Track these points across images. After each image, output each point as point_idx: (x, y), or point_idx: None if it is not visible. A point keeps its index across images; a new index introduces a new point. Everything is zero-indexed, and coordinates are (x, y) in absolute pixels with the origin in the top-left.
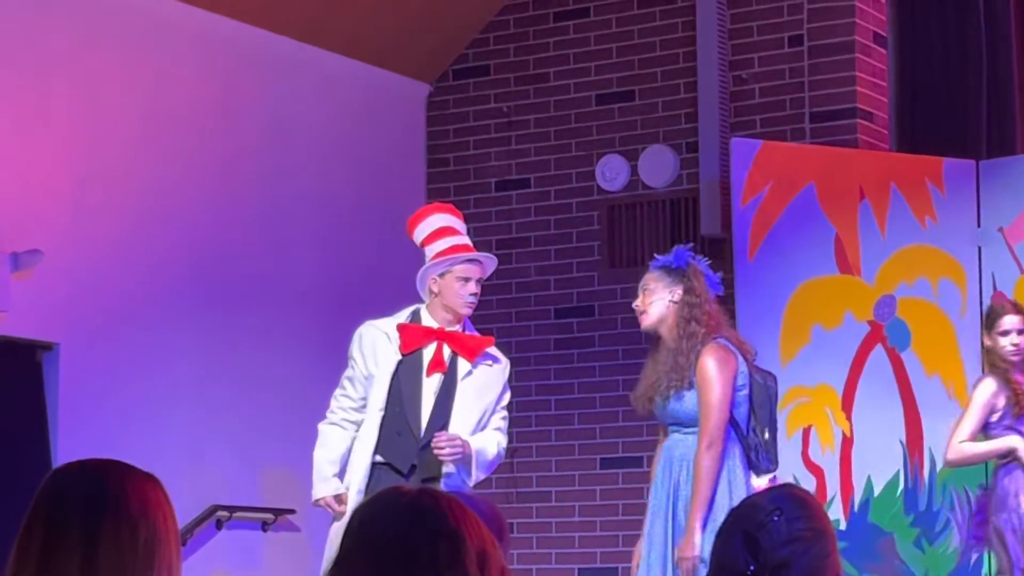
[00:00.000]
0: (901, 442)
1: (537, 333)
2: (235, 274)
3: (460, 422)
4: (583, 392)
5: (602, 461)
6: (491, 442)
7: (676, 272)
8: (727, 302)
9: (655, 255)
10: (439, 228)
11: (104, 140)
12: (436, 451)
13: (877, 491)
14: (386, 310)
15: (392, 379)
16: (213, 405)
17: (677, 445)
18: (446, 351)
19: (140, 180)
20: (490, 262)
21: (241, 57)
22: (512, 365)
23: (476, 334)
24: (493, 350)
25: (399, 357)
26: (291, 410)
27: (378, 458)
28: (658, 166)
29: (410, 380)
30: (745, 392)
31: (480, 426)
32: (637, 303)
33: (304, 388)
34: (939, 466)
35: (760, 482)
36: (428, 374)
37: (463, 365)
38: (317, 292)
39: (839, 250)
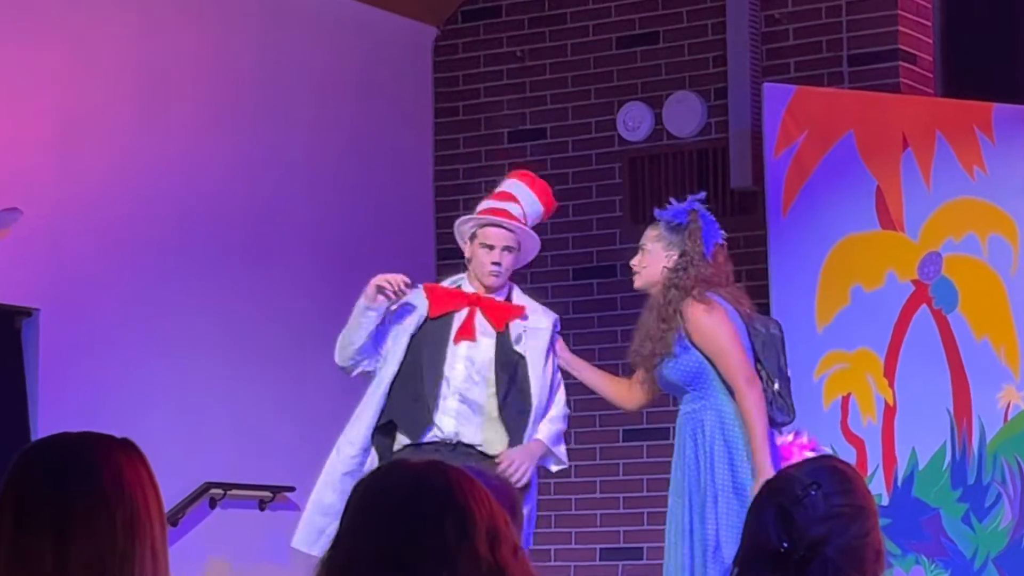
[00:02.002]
0: (948, 411)
1: (555, 295)
2: (229, 232)
3: (539, 388)
4: (604, 358)
5: (625, 433)
6: (551, 422)
7: (677, 231)
8: (759, 260)
9: (664, 205)
10: (499, 192)
11: (88, 91)
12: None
13: (922, 464)
14: (390, 267)
15: (412, 338)
16: (205, 374)
17: (688, 419)
18: (478, 319)
19: (127, 134)
20: (528, 238)
21: (234, 0)
22: None
23: (520, 299)
24: (539, 313)
25: (425, 315)
26: (289, 378)
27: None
28: (684, 114)
29: (434, 346)
30: (748, 348)
31: (552, 391)
32: (635, 261)
33: (303, 354)
34: (989, 436)
35: (783, 439)
36: (456, 341)
37: (513, 333)
38: (317, 251)
39: (880, 204)
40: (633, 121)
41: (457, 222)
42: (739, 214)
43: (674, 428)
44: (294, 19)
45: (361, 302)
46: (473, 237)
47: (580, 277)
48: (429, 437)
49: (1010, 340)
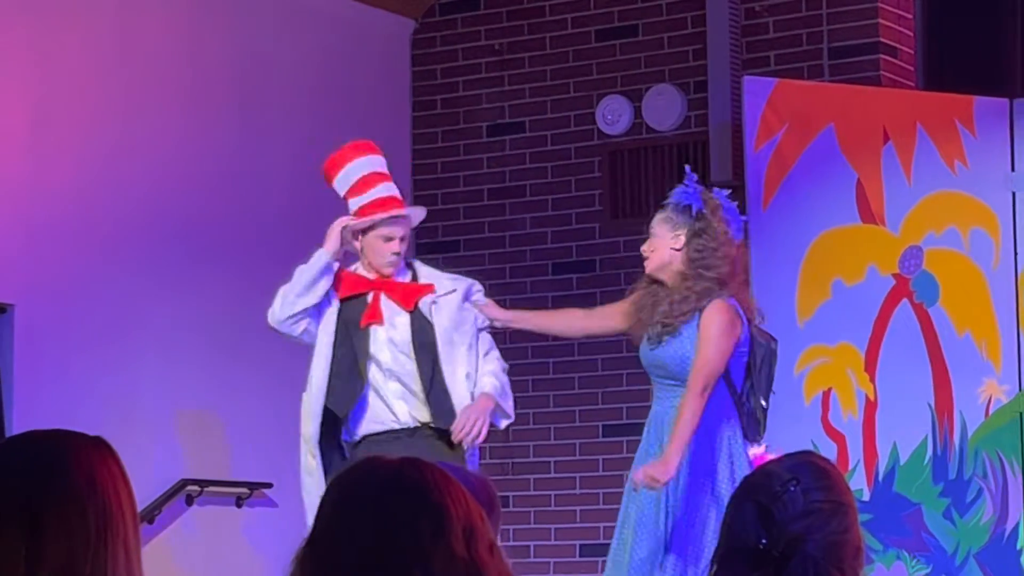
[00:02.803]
0: (929, 405)
1: (534, 290)
2: (206, 226)
3: (457, 372)
4: (583, 354)
5: (605, 428)
6: (489, 372)
7: (684, 212)
8: None
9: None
10: (363, 177)
11: (62, 80)
12: (468, 441)
13: (903, 459)
14: None
15: (337, 322)
16: (182, 370)
17: (669, 410)
18: (383, 302)
19: (101, 124)
20: (417, 214)
21: None
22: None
23: (430, 273)
24: (446, 280)
25: (337, 298)
26: (266, 375)
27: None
28: (664, 108)
29: (357, 333)
30: (745, 359)
31: (482, 358)
32: (644, 247)
33: (282, 353)
34: (970, 431)
35: (755, 449)
36: (362, 326)
37: (424, 307)
38: (295, 246)
39: (861, 197)
40: (612, 114)
41: (352, 225)
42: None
43: None
44: (270, 11)
45: (325, 256)
46: (366, 230)
47: (559, 272)
48: (385, 426)
49: (991, 334)
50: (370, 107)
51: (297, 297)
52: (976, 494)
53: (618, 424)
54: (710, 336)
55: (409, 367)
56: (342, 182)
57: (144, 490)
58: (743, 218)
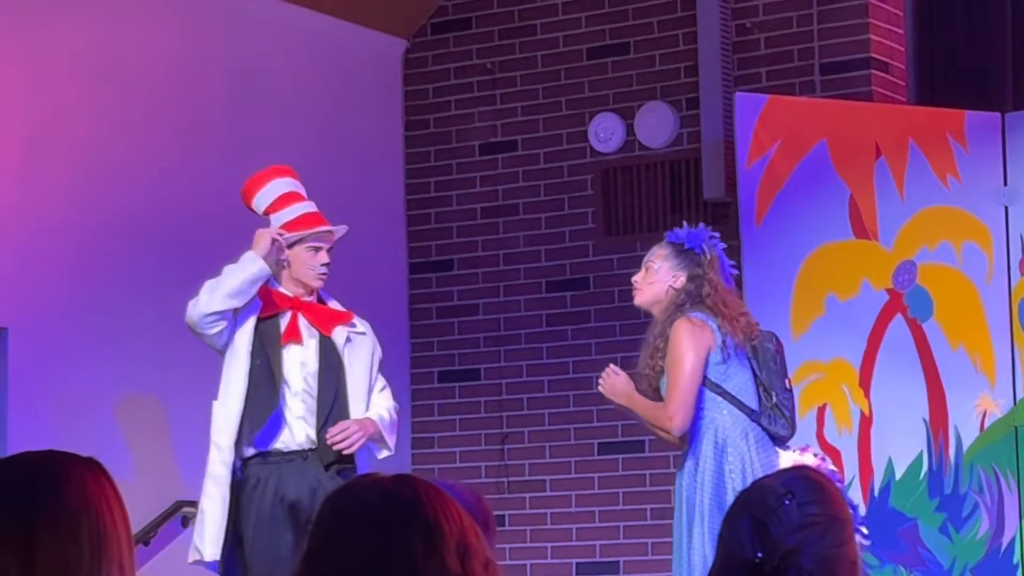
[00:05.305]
0: (924, 420)
1: (527, 308)
2: (198, 247)
3: (357, 398)
4: (578, 371)
5: (600, 446)
6: (382, 407)
7: (687, 255)
8: None
9: (672, 228)
10: (284, 195)
11: (53, 102)
12: (337, 447)
13: (899, 474)
14: (359, 284)
15: (254, 333)
16: (176, 391)
17: (690, 433)
18: (301, 322)
19: (93, 147)
20: (340, 230)
21: (201, 12)
22: (501, 343)
23: (337, 306)
24: (354, 317)
25: (256, 315)
26: None
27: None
28: (656, 125)
29: (273, 349)
30: (735, 363)
31: (376, 393)
32: (636, 277)
33: None
34: (965, 445)
35: (785, 458)
36: (283, 343)
37: (338, 337)
38: None
39: (854, 213)
40: (605, 132)
41: (286, 237)
42: (712, 225)
43: (649, 442)
44: (263, 32)
45: (260, 261)
46: (293, 244)
47: (553, 290)
48: (288, 447)
49: (985, 348)
50: (363, 126)
51: (227, 296)
52: (972, 508)
53: (613, 442)
54: (674, 351)
55: (313, 392)
56: (263, 199)
57: (139, 512)
58: (732, 267)
